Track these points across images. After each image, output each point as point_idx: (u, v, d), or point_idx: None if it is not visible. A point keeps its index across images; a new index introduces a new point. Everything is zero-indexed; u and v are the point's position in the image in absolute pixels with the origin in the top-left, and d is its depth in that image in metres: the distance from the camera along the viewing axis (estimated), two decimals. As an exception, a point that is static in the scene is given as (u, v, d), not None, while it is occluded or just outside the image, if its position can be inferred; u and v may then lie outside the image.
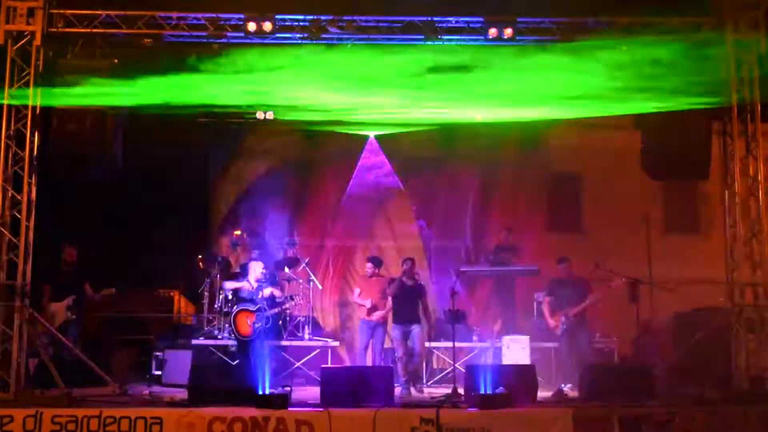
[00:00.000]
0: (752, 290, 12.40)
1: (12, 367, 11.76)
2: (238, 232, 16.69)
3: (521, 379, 11.27)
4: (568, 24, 12.84)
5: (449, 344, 12.68)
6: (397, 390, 12.07)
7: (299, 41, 12.99)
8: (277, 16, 12.72)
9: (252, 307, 13.54)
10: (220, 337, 14.31)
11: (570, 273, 13.32)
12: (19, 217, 12.15)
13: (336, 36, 12.90)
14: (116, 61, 12.67)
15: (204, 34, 12.87)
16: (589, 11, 12.84)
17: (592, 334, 13.84)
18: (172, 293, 16.24)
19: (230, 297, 14.07)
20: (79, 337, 13.38)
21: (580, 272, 13.42)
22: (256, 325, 13.49)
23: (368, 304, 13.72)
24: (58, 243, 13.58)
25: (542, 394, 11.71)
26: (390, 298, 13.60)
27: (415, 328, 13.28)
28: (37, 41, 12.34)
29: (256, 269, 13.83)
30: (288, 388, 11.11)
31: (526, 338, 13.93)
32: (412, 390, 12.85)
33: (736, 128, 12.73)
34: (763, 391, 11.51)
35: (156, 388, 12.65)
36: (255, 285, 13.72)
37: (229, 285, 13.90)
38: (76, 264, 13.63)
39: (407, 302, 13.37)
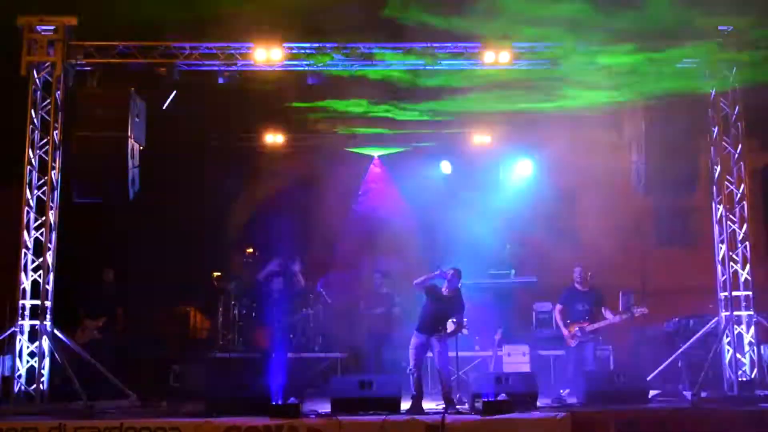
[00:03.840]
0: (739, 299, 12.46)
1: (36, 380, 11.88)
2: (250, 250, 16.78)
3: (522, 386, 11.24)
4: (560, 49, 12.89)
5: (452, 353, 12.62)
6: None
7: (305, 68, 13.07)
8: (284, 45, 12.80)
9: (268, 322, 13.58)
10: (234, 350, 14.42)
11: (584, 281, 13.23)
12: (42, 239, 12.24)
13: (341, 62, 12.98)
14: (133, 89, 12.75)
15: (216, 62, 12.95)
16: (579, 37, 12.89)
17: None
18: (188, 309, 16.31)
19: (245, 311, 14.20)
20: (113, 353, 13.45)
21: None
22: (273, 338, 13.52)
23: (377, 312, 13.80)
24: (76, 264, 13.70)
25: (542, 400, 11.64)
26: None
27: (437, 342, 11.59)
28: (58, 71, 12.45)
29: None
30: (300, 398, 11.12)
31: (525, 347, 13.95)
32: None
33: (722, 144, 12.77)
34: (751, 395, 11.53)
35: (174, 400, 12.65)
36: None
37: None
38: (114, 284, 13.76)
39: (438, 311, 11.61)
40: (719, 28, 12.61)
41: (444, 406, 11.27)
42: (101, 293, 13.71)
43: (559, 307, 13.28)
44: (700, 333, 12.61)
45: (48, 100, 12.48)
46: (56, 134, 12.48)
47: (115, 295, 13.77)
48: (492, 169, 16.81)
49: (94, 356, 12.59)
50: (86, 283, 13.91)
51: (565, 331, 13.05)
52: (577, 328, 12.89)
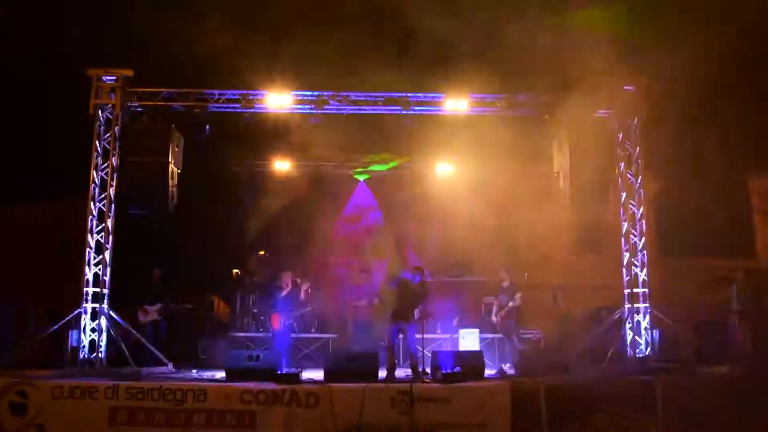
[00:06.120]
0: (639, 295, 12.87)
1: (96, 350, 12.23)
2: (262, 252, 16.98)
3: (473, 361, 11.42)
4: (507, 99, 13.30)
5: (419, 335, 12.42)
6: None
7: (307, 110, 13.41)
8: (291, 92, 13.19)
9: (282, 309, 13.76)
10: (248, 330, 14.67)
11: (508, 280, 13.74)
12: (102, 241, 12.54)
13: (335, 107, 13.33)
14: (173, 125, 13.06)
15: (238, 106, 13.31)
16: (522, 89, 13.32)
17: (523, 327, 14.18)
18: (213, 297, 16.48)
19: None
20: (156, 331, 13.72)
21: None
22: (284, 322, 13.73)
23: (361, 303, 14.04)
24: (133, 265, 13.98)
25: (488, 372, 11.95)
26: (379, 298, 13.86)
27: (407, 326, 11.97)
28: (117, 111, 12.84)
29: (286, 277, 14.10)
30: (299, 369, 11.37)
31: (476, 331, 14.23)
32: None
33: (627, 175, 13.14)
34: (645, 367, 11.88)
35: (201, 368, 12.87)
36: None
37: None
38: (161, 281, 14.12)
39: (407, 301, 11.95)
40: (624, 87, 13.03)
41: (412, 376, 11.55)
42: (151, 287, 14.02)
43: (494, 301, 13.94)
44: (608, 320, 12.99)
45: (108, 133, 12.86)
46: (114, 159, 12.86)
47: (161, 288, 14.04)
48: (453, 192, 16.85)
49: (143, 333, 12.89)
50: (140, 280, 14.15)
51: (495, 319, 13.82)
52: (503, 315, 13.59)
